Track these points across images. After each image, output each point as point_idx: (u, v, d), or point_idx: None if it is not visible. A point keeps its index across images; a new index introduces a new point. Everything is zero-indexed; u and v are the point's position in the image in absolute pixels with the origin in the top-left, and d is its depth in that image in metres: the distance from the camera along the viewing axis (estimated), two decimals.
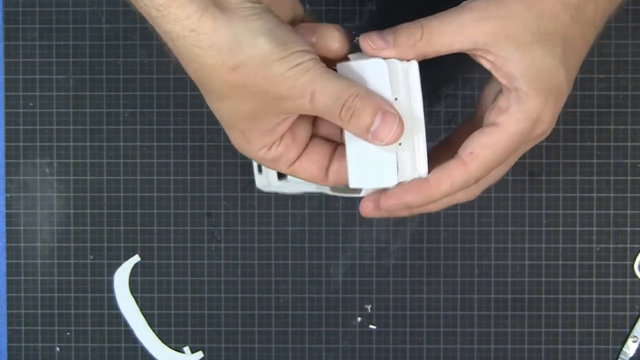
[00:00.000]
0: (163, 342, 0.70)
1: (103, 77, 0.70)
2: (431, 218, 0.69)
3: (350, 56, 0.49)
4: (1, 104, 0.71)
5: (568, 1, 0.48)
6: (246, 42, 0.45)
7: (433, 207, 0.51)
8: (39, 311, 0.71)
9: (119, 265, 0.70)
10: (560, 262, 0.69)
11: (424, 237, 0.70)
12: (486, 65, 0.48)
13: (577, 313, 0.69)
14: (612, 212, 0.69)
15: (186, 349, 0.70)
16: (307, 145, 0.51)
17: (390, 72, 0.48)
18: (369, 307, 0.70)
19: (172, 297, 0.70)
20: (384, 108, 0.47)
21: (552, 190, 0.69)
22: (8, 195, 0.71)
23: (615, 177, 0.69)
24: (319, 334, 0.70)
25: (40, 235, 0.71)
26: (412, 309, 0.70)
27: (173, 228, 0.70)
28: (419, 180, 0.49)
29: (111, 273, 0.71)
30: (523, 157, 0.65)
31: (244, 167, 0.70)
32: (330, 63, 0.49)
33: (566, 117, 0.69)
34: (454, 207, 0.69)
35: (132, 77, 0.70)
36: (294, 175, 0.52)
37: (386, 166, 0.49)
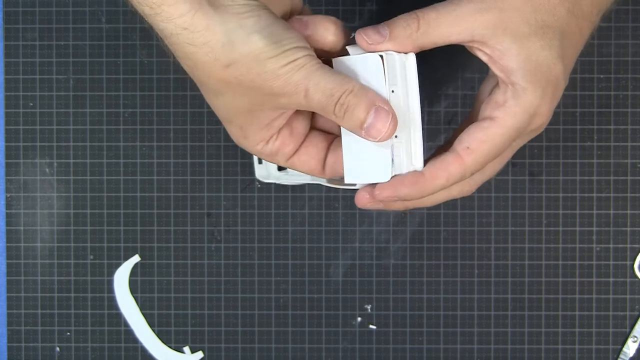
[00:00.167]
0: (163, 342, 0.70)
1: (103, 77, 0.70)
2: (431, 218, 0.70)
3: (349, 50, 0.49)
4: (1, 104, 0.71)
5: None
6: (239, 39, 0.45)
7: (428, 202, 0.51)
8: (39, 311, 0.71)
9: (119, 265, 0.70)
10: (560, 262, 0.69)
11: (424, 237, 0.70)
12: (483, 57, 0.48)
13: (577, 313, 0.69)
14: (612, 212, 0.69)
15: (186, 349, 0.70)
16: (305, 138, 0.51)
17: (388, 65, 0.48)
18: (369, 307, 0.70)
19: (172, 297, 0.70)
20: (378, 104, 0.47)
21: (552, 190, 0.69)
22: (8, 195, 0.71)
23: (615, 177, 0.69)
24: (319, 334, 0.70)
25: (40, 235, 0.71)
26: (412, 309, 0.70)
27: (173, 228, 0.70)
28: (414, 174, 0.49)
29: (111, 273, 0.71)
30: (523, 157, 0.65)
31: (244, 167, 0.70)
32: (327, 55, 0.49)
33: (566, 117, 0.69)
34: (454, 207, 0.69)
35: (132, 77, 0.70)
36: (292, 168, 0.52)
37: (381, 162, 0.49)
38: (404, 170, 0.49)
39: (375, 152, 0.49)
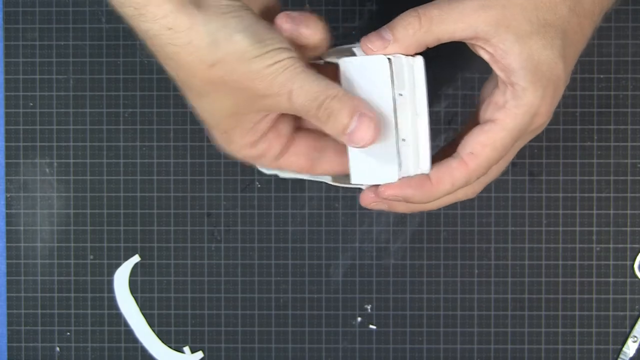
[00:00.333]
0: (163, 342, 0.70)
1: (103, 77, 0.70)
2: (431, 218, 0.70)
3: (355, 51, 0.49)
4: (1, 104, 0.71)
5: None
6: (223, 39, 0.45)
7: (433, 206, 0.51)
8: (39, 311, 0.71)
9: (119, 265, 0.70)
10: (560, 262, 0.69)
11: (424, 237, 0.70)
12: (484, 56, 0.48)
13: (577, 313, 0.69)
14: (612, 212, 0.69)
15: (186, 349, 0.70)
16: (291, 138, 0.51)
17: (396, 68, 0.48)
18: (369, 307, 0.70)
19: (172, 297, 0.70)
20: (361, 110, 0.47)
21: (552, 190, 0.69)
22: (8, 195, 0.71)
23: (615, 177, 0.69)
24: (319, 334, 0.70)
25: (40, 235, 0.71)
26: (412, 309, 0.70)
27: (173, 228, 0.70)
28: (421, 177, 0.49)
29: (111, 273, 0.70)
30: (523, 157, 0.65)
31: (244, 167, 0.70)
32: (309, 55, 0.49)
33: (566, 117, 0.69)
34: (454, 207, 0.69)
35: (132, 77, 0.70)
36: (280, 169, 0.52)
37: (387, 163, 0.49)
38: (411, 173, 0.49)
39: (382, 153, 0.49)
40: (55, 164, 0.70)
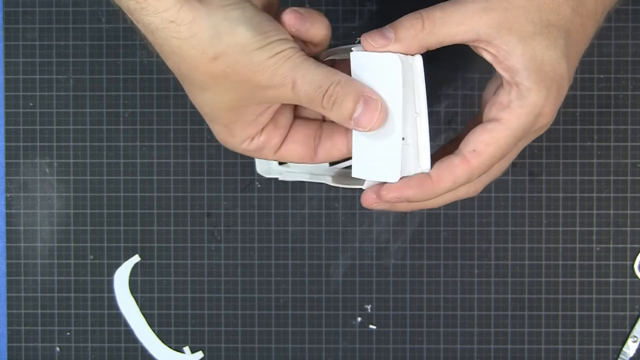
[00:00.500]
0: (163, 342, 0.70)
1: (103, 77, 0.70)
2: (431, 218, 0.70)
3: (353, 49, 0.49)
4: (1, 104, 0.71)
5: None
6: (225, 31, 0.45)
7: (434, 204, 0.51)
8: (39, 311, 0.71)
9: (119, 265, 0.70)
10: (560, 262, 0.69)
11: (424, 237, 0.70)
12: (488, 57, 0.48)
13: (577, 313, 0.69)
14: (612, 212, 0.69)
15: (186, 349, 0.70)
16: (290, 128, 0.51)
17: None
18: (369, 307, 0.70)
19: (172, 297, 0.70)
20: (366, 94, 0.47)
21: (552, 190, 0.69)
22: (8, 195, 0.71)
23: (615, 177, 0.69)
24: (319, 334, 0.70)
25: (40, 235, 0.71)
26: (412, 309, 0.70)
27: (173, 228, 0.70)
28: (421, 176, 0.49)
29: (111, 273, 0.70)
30: (523, 157, 0.65)
31: (244, 167, 0.70)
32: (310, 52, 0.49)
33: (566, 117, 0.69)
34: (454, 207, 0.69)
35: (132, 77, 0.70)
36: (281, 160, 0.52)
37: (390, 161, 0.49)
38: (411, 172, 0.49)
39: (385, 150, 0.49)
40: (55, 164, 0.70)
